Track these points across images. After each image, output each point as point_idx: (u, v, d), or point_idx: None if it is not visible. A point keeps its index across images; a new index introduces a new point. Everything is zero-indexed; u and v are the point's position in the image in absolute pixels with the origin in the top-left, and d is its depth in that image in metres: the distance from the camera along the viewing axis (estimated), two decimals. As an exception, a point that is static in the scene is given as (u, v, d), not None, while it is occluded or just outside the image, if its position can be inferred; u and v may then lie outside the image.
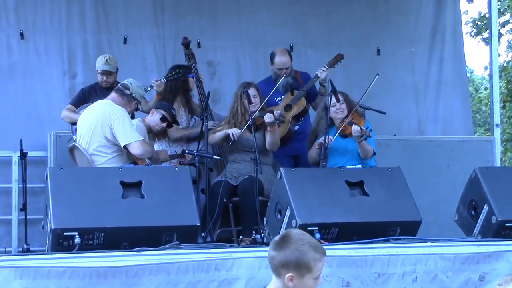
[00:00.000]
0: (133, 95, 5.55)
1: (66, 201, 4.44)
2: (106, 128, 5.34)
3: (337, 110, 5.69)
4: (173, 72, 6.14)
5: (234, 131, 5.72)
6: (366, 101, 5.95)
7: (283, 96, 6.22)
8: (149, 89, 6.08)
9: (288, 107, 6.19)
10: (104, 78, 6.30)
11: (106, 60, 6.34)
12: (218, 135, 5.80)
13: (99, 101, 5.67)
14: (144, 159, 5.39)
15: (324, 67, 6.20)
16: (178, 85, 6.21)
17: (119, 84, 5.78)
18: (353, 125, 5.41)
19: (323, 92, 5.93)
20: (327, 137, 5.37)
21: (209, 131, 5.83)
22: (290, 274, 2.70)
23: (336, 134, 5.57)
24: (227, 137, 5.77)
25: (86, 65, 7.17)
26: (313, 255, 2.72)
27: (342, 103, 5.70)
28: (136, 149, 5.30)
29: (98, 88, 6.32)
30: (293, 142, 6.17)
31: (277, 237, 2.81)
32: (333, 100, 5.62)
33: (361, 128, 5.37)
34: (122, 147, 5.32)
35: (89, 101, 5.96)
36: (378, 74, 5.77)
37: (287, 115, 6.15)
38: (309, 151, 5.79)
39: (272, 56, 6.31)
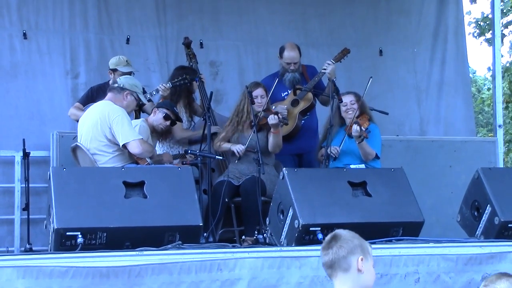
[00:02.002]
0: (122, 85, 5.55)
1: (68, 201, 4.44)
2: (105, 128, 5.35)
3: (348, 110, 5.73)
4: (180, 78, 6.12)
5: (238, 148, 5.73)
6: (368, 102, 5.95)
7: (289, 91, 6.21)
8: (154, 93, 6.09)
9: (295, 102, 6.19)
10: None
11: (126, 61, 6.30)
12: (224, 147, 5.84)
13: (98, 102, 5.69)
14: (145, 158, 5.40)
15: (330, 61, 6.18)
16: (182, 88, 6.21)
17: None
18: (354, 125, 5.44)
19: (332, 87, 5.91)
20: (333, 147, 5.45)
21: (215, 136, 5.85)
22: (360, 256, 2.76)
23: (344, 138, 5.61)
24: (232, 152, 5.79)
25: (89, 65, 7.18)
26: (365, 241, 2.83)
27: (354, 103, 5.72)
28: (134, 148, 5.31)
29: (107, 87, 6.27)
30: (298, 140, 6.16)
31: (327, 239, 2.84)
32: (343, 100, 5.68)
33: (360, 129, 5.38)
34: (121, 145, 5.33)
35: (97, 100, 5.91)
36: (371, 77, 5.78)
37: (294, 110, 6.15)
38: (319, 152, 5.86)
39: (282, 50, 6.27)
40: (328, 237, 2.85)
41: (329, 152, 5.50)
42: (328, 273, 2.81)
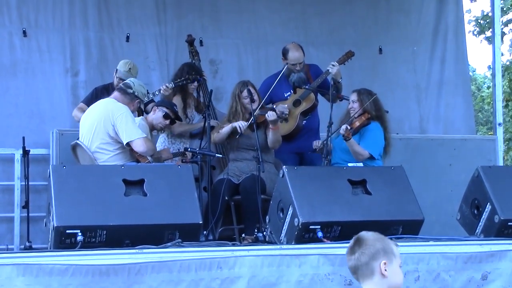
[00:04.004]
0: (136, 93, 5.57)
1: (68, 198, 4.43)
2: (108, 126, 5.35)
3: (350, 109, 5.80)
4: (183, 78, 6.12)
5: (241, 124, 5.70)
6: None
7: (292, 91, 6.21)
8: (157, 93, 6.09)
9: (297, 102, 6.19)
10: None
11: (130, 69, 6.27)
12: (224, 130, 5.77)
13: (101, 100, 5.68)
14: (146, 156, 5.40)
15: (334, 63, 6.17)
16: (181, 86, 6.21)
17: (121, 83, 5.78)
18: (344, 124, 5.49)
19: (338, 87, 5.91)
20: (329, 144, 5.51)
21: (213, 130, 5.84)
22: (383, 261, 2.73)
23: (336, 130, 5.64)
24: (233, 131, 5.74)
25: (89, 63, 7.18)
26: (390, 241, 2.80)
27: (355, 102, 5.75)
28: (139, 146, 5.32)
29: (111, 88, 6.23)
30: (298, 139, 6.17)
31: (351, 244, 2.83)
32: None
33: (346, 128, 5.43)
34: (124, 144, 5.33)
35: None
36: (375, 94, 5.80)
37: (295, 111, 6.16)
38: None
39: (286, 52, 6.25)
40: (352, 241, 2.83)
41: (314, 146, 5.63)
42: (354, 277, 2.81)
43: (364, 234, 2.83)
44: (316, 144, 5.76)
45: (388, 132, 5.86)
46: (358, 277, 2.78)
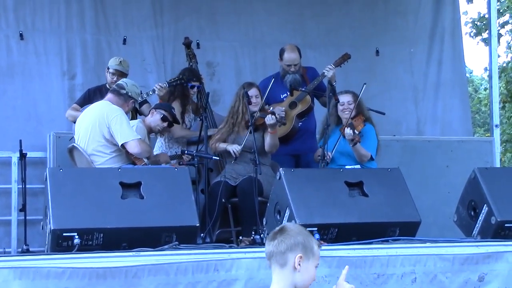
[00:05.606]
0: (129, 94, 5.56)
1: (65, 201, 4.43)
2: (104, 128, 5.35)
3: (344, 110, 5.74)
4: (176, 78, 6.13)
5: (235, 148, 5.73)
6: (365, 102, 5.95)
7: (288, 93, 6.21)
8: (151, 93, 6.09)
9: (293, 105, 6.19)
10: (115, 79, 6.20)
11: (120, 61, 6.33)
12: (220, 147, 5.84)
13: (96, 102, 5.69)
14: (142, 159, 5.40)
15: (331, 65, 6.18)
16: (178, 88, 6.20)
17: (114, 85, 5.79)
18: (347, 128, 5.45)
19: (329, 87, 5.92)
20: (326, 152, 5.43)
21: (211, 136, 5.84)
22: (299, 254, 2.74)
23: (338, 139, 5.60)
24: (228, 152, 5.79)
25: (85, 65, 7.18)
26: (314, 240, 2.81)
27: (351, 104, 5.73)
28: (133, 148, 5.31)
29: (104, 89, 6.25)
30: (295, 141, 6.17)
31: (275, 230, 2.84)
32: (340, 99, 5.68)
33: (353, 132, 5.39)
34: (119, 145, 5.33)
35: (94, 102, 5.92)
36: (365, 84, 5.78)
37: (291, 113, 6.16)
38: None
39: (282, 52, 6.28)
40: (277, 228, 2.84)
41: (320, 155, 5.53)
42: (268, 264, 2.82)
43: (290, 225, 2.85)
44: (317, 154, 5.68)
45: (378, 133, 5.85)
46: (271, 264, 2.79)
